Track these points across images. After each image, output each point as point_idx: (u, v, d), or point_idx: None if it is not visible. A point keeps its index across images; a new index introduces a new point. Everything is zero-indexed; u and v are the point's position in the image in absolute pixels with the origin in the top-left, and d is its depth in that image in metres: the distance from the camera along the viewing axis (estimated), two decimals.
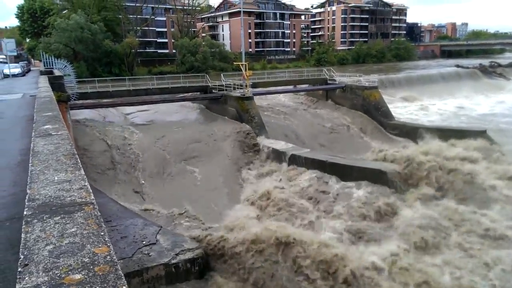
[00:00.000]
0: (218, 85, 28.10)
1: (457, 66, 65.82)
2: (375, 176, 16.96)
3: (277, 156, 20.62)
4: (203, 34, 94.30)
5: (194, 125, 24.78)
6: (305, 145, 23.89)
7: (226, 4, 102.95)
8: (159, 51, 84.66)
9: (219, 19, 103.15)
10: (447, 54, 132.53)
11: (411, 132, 26.03)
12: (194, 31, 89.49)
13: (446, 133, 24.28)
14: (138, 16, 75.81)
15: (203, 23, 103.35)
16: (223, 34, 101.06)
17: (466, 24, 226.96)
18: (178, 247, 10.19)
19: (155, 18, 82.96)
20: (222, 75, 30.16)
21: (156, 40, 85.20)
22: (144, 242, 10.38)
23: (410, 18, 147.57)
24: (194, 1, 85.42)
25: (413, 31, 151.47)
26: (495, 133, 25.24)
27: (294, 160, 19.56)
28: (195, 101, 29.34)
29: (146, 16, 79.27)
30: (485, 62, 69.19)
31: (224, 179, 19.47)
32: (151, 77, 30.45)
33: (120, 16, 71.39)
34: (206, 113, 27.98)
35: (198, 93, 29.28)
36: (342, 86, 31.39)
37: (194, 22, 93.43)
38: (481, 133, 23.53)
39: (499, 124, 31.68)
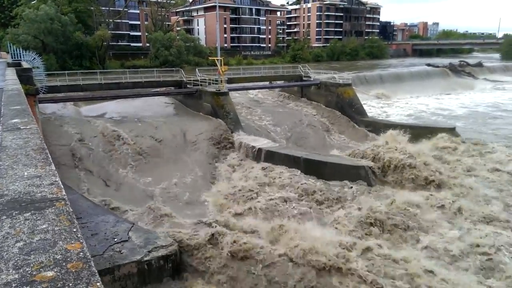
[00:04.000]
0: (193, 80, 27.85)
1: (428, 65, 67.80)
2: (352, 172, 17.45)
3: (253, 152, 20.69)
4: (178, 28, 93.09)
5: (168, 120, 24.49)
6: (279, 142, 24.10)
7: None
8: (132, 44, 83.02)
9: (194, 13, 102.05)
10: (419, 53, 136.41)
11: (384, 129, 26.62)
12: (168, 24, 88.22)
13: (417, 130, 25.09)
14: (111, 8, 73.99)
15: (177, 17, 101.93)
16: (198, 29, 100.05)
17: (437, 24, 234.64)
18: (150, 244, 10.08)
19: (128, 11, 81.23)
20: (197, 70, 29.89)
21: (129, 33, 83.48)
22: (115, 239, 10.21)
23: (384, 17, 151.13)
24: None
25: (386, 29, 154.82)
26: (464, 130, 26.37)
27: (271, 157, 19.67)
28: (169, 96, 28.99)
29: (119, 9, 77.48)
30: (455, 61, 71.58)
31: (197, 176, 19.36)
32: (124, 71, 29.81)
33: (92, 8, 69.49)
34: (180, 108, 27.70)
35: (172, 87, 28.92)
36: (317, 83, 31.75)
37: (169, 15, 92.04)
38: (450, 130, 24.51)
39: (466, 121, 32.97)
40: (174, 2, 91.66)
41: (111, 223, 11.46)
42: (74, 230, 2.19)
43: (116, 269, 9.07)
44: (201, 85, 27.10)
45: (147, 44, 79.17)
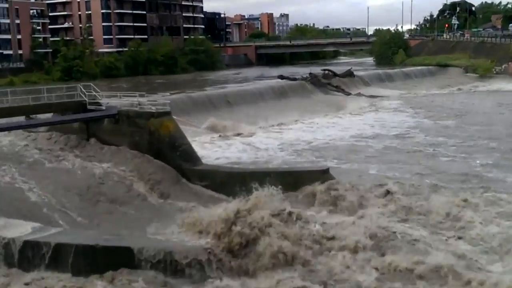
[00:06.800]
0: None
1: (281, 77, 74.43)
2: None
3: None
4: None
5: None
6: (52, 222, 22.66)
7: None
8: None
9: None
10: (266, 59, 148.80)
11: (229, 181, 27.58)
12: None
13: (285, 177, 26.87)
14: None
15: None
16: None
17: (287, 17, 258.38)
18: None
19: None
20: None
21: None
22: None
23: (209, 5, 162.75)
24: None
25: (215, 24, 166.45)
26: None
27: (30, 251, 18.10)
28: None
29: None
30: (317, 70, 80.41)
31: None
32: None
33: None
34: None
35: None
36: (114, 114, 31.35)
37: None
38: (324, 173, 27.22)
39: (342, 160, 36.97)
40: None
41: None
42: None
43: None
44: None
45: None
